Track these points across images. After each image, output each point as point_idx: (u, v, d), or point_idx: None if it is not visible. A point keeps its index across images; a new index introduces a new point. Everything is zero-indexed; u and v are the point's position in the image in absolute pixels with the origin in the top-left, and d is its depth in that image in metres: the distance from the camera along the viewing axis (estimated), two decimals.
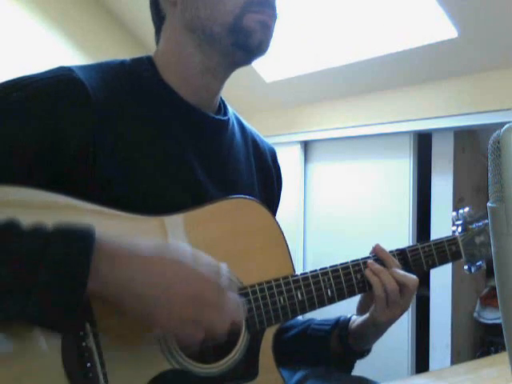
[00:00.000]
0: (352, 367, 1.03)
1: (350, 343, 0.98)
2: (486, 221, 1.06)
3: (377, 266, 0.94)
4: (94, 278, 0.65)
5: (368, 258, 0.97)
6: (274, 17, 0.87)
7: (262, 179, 1.02)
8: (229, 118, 0.96)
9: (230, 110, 1.00)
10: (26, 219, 0.66)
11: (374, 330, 0.97)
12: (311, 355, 1.02)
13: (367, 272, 0.94)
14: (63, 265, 0.64)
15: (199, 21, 0.86)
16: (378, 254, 0.96)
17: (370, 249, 1.00)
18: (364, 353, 1.01)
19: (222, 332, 0.71)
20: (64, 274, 0.64)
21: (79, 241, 0.65)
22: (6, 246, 0.64)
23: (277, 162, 1.08)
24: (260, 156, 1.04)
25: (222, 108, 0.97)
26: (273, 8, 0.87)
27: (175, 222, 0.81)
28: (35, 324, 0.66)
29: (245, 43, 0.85)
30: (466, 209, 1.08)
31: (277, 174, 1.07)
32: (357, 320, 0.99)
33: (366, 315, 0.96)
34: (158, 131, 0.86)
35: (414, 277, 0.94)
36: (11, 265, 0.63)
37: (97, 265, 0.65)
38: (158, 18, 0.92)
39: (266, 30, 0.86)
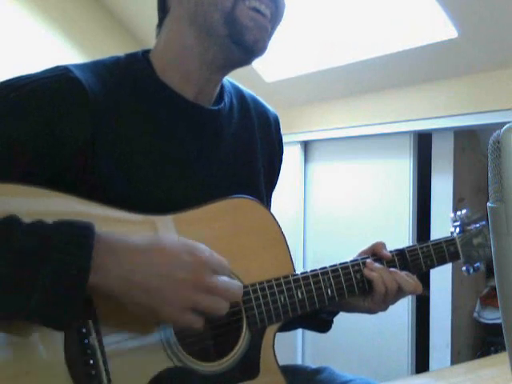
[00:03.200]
0: (323, 326, 1.04)
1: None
2: (484, 222, 1.07)
3: (376, 265, 0.95)
4: (95, 271, 0.66)
5: (367, 257, 0.97)
6: (271, 5, 0.86)
7: (265, 154, 1.02)
8: (225, 104, 0.95)
9: (228, 85, 0.99)
10: (25, 216, 0.66)
11: (346, 310, 1.00)
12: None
13: (366, 271, 0.94)
14: (64, 261, 0.64)
15: (202, 8, 0.85)
16: (378, 255, 0.98)
17: None
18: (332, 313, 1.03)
19: (221, 314, 0.73)
20: (65, 270, 0.64)
21: (79, 236, 0.66)
22: (7, 243, 0.64)
23: (279, 132, 1.08)
24: (266, 128, 1.04)
25: (219, 94, 0.96)
26: None
27: (172, 222, 0.81)
28: (37, 321, 0.66)
29: (240, 39, 0.85)
30: (464, 210, 1.09)
31: (279, 146, 1.08)
32: None
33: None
34: (155, 128, 0.86)
35: (413, 282, 0.95)
36: (12, 262, 0.63)
37: (97, 258, 0.66)
38: (163, 10, 0.92)
39: (263, 31, 0.86)
